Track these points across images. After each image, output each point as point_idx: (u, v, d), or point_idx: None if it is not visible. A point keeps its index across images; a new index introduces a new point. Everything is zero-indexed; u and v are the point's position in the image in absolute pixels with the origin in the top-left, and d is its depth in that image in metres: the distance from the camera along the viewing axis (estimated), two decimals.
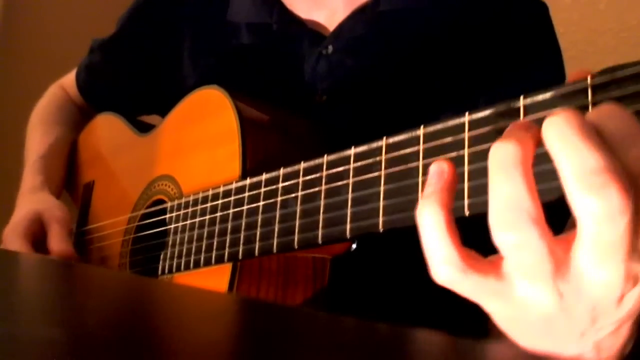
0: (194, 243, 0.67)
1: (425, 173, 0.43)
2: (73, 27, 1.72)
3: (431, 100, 0.72)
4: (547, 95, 0.39)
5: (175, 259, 0.70)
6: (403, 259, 0.61)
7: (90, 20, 1.51)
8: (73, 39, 1.28)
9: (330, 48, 0.75)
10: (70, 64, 1.08)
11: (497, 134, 0.39)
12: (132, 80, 0.96)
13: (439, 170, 0.38)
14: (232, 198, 0.63)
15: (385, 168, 0.48)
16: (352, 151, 0.51)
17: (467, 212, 0.41)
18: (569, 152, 0.33)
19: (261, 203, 0.60)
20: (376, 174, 0.48)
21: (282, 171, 0.58)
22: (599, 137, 0.33)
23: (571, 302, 0.35)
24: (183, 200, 0.71)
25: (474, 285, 0.36)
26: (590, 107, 0.36)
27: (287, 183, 0.57)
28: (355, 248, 0.61)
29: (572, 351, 0.36)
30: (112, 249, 0.86)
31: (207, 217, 0.66)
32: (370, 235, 0.48)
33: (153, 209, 0.78)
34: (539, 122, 0.35)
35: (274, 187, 0.59)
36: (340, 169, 0.52)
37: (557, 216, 0.36)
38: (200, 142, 0.73)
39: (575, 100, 0.37)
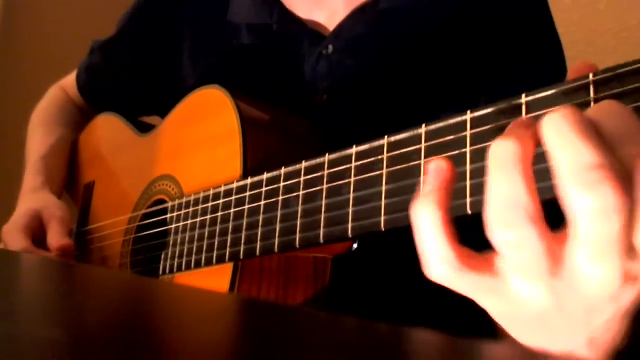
0: (195, 242, 0.67)
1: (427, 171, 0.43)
2: (73, 27, 1.73)
3: (432, 99, 0.72)
4: (548, 92, 0.38)
5: (176, 259, 0.70)
6: (404, 258, 0.61)
7: (90, 20, 1.51)
8: (73, 39, 1.29)
9: (330, 48, 0.75)
10: (70, 65, 1.08)
11: (499, 132, 0.39)
12: (132, 81, 0.96)
13: (436, 168, 0.38)
14: (233, 197, 0.63)
15: (387, 166, 0.48)
16: (354, 150, 0.51)
17: (469, 210, 0.40)
18: (565, 148, 0.33)
19: (262, 202, 0.59)
20: (378, 172, 0.48)
21: (283, 170, 0.58)
22: (597, 133, 0.33)
23: (565, 298, 0.35)
24: (184, 199, 0.71)
25: (469, 283, 0.36)
26: (592, 103, 0.36)
27: (288, 182, 0.57)
28: (357, 247, 0.61)
29: (565, 346, 0.37)
30: (113, 248, 0.86)
31: (208, 216, 0.66)
32: (372, 235, 0.48)
33: (154, 208, 0.78)
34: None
35: (275, 186, 0.59)
36: (342, 167, 0.52)
37: (555, 213, 0.36)
38: (201, 141, 0.73)
39: (577, 97, 0.37)
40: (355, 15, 0.75)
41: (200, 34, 0.86)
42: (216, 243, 0.64)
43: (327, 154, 0.54)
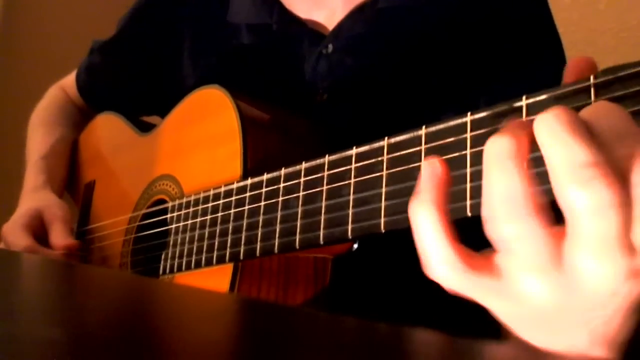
0: (195, 243, 0.67)
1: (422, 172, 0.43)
2: (73, 27, 1.73)
3: (432, 99, 0.72)
4: (549, 94, 0.38)
5: (176, 259, 0.70)
6: (404, 259, 0.61)
7: (90, 20, 1.51)
8: (73, 39, 1.29)
9: (330, 47, 0.76)
10: (70, 65, 1.08)
11: None
12: (132, 81, 0.96)
13: (431, 168, 0.38)
14: (234, 198, 0.63)
15: (387, 168, 0.48)
16: (354, 151, 0.51)
17: (469, 213, 0.40)
18: (558, 147, 0.33)
19: (262, 203, 0.59)
20: (378, 174, 0.48)
21: (283, 171, 0.58)
22: (590, 133, 0.33)
23: (567, 294, 0.35)
24: (184, 200, 0.71)
25: (470, 283, 0.36)
26: None
27: (288, 183, 0.57)
28: (357, 248, 0.61)
29: (569, 342, 0.37)
30: (113, 248, 0.86)
31: (209, 217, 0.66)
32: (372, 236, 0.48)
33: (154, 208, 0.78)
34: None
35: (275, 187, 0.58)
36: (342, 169, 0.52)
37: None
38: (201, 141, 0.73)
39: (578, 99, 0.37)
40: (354, 15, 0.75)
41: (201, 34, 0.86)
42: (216, 244, 0.64)
43: (327, 155, 0.54)
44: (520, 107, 0.39)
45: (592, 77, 0.37)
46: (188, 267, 0.68)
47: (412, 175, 0.46)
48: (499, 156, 0.35)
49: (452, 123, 0.43)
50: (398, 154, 0.47)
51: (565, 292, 0.35)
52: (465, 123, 0.42)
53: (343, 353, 0.27)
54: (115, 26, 0.99)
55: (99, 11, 1.57)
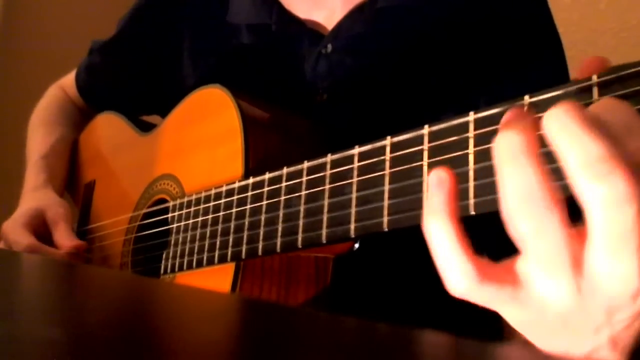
0: (197, 242, 0.67)
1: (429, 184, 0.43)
2: (73, 27, 1.72)
3: (431, 99, 0.72)
4: (552, 93, 0.38)
5: (177, 258, 0.70)
6: (406, 258, 0.61)
7: (90, 20, 1.51)
8: (73, 39, 1.28)
9: (330, 47, 0.75)
10: (70, 64, 1.08)
11: None
12: (132, 81, 0.96)
13: (438, 179, 0.37)
14: (235, 197, 0.63)
15: (390, 167, 0.48)
16: (357, 150, 0.51)
17: (472, 212, 0.40)
18: (572, 142, 0.33)
19: (264, 202, 0.59)
20: (381, 173, 0.48)
21: (285, 170, 0.58)
22: (602, 127, 0.33)
23: (587, 297, 0.34)
24: (185, 199, 0.71)
25: (490, 294, 0.36)
26: None
27: (290, 182, 0.57)
28: (358, 247, 0.61)
29: (588, 347, 0.36)
30: (114, 248, 0.86)
31: (210, 216, 0.66)
32: (375, 235, 0.48)
33: (155, 208, 0.78)
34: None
35: (277, 186, 0.58)
36: (345, 168, 0.52)
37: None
38: (203, 140, 0.73)
39: (581, 98, 0.37)
40: (353, 15, 0.75)
41: (201, 34, 0.86)
42: (218, 243, 0.64)
43: (329, 155, 0.54)
44: (523, 106, 0.39)
45: (595, 76, 0.37)
46: (189, 267, 0.68)
47: (415, 174, 0.45)
48: (511, 152, 0.34)
49: (455, 122, 0.43)
50: (401, 152, 0.47)
51: (585, 296, 0.34)
52: (468, 122, 0.42)
53: (343, 353, 0.27)
54: (115, 26, 0.99)
55: (99, 11, 1.57)
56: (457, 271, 0.36)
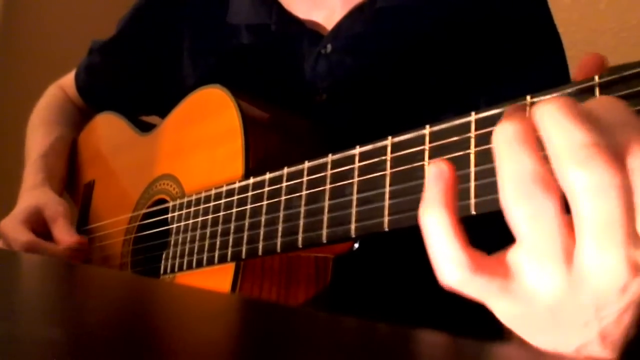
0: (197, 242, 0.67)
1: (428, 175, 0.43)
2: (73, 27, 1.72)
3: (431, 99, 0.72)
4: (554, 94, 0.39)
5: (177, 259, 0.70)
6: (406, 258, 0.61)
7: (90, 20, 1.51)
8: (73, 39, 1.28)
9: (329, 47, 0.75)
10: (70, 64, 1.08)
11: None
12: (132, 81, 0.96)
13: (438, 171, 0.38)
14: (236, 197, 0.63)
15: (391, 167, 0.48)
16: (357, 150, 0.51)
17: (473, 211, 0.40)
18: (558, 128, 0.33)
19: (265, 202, 0.59)
20: (381, 173, 0.48)
21: (286, 170, 0.58)
22: (591, 118, 0.33)
23: (576, 290, 0.34)
24: (185, 199, 0.71)
25: (482, 285, 0.36)
26: None
27: (291, 182, 0.57)
28: (358, 247, 0.61)
29: (577, 342, 0.36)
30: (113, 248, 0.86)
31: (210, 216, 0.66)
32: (376, 235, 0.48)
33: (155, 208, 0.78)
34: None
35: (278, 186, 0.58)
36: (345, 168, 0.52)
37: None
38: (203, 140, 0.73)
39: (582, 98, 0.37)
40: (353, 15, 0.75)
41: (200, 34, 0.86)
42: (218, 243, 0.64)
43: (330, 155, 0.54)
44: (525, 106, 0.40)
45: (596, 77, 0.37)
46: (189, 267, 0.68)
47: (416, 174, 0.45)
48: (508, 141, 0.35)
49: (456, 122, 0.43)
50: (402, 153, 0.47)
51: (575, 289, 0.34)
52: (470, 122, 0.42)
53: (343, 353, 0.27)
54: (115, 26, 0.99)
55: (99, 11, 1.57)
56: (450, 261, 0.36)
